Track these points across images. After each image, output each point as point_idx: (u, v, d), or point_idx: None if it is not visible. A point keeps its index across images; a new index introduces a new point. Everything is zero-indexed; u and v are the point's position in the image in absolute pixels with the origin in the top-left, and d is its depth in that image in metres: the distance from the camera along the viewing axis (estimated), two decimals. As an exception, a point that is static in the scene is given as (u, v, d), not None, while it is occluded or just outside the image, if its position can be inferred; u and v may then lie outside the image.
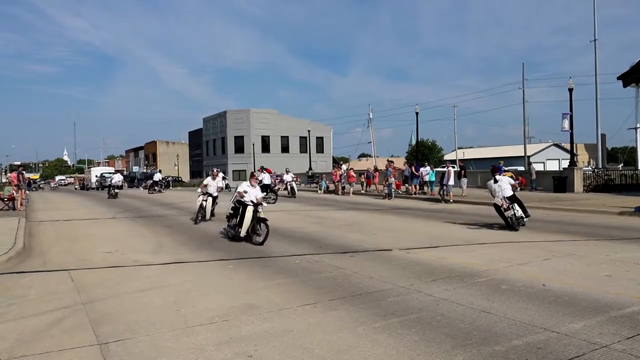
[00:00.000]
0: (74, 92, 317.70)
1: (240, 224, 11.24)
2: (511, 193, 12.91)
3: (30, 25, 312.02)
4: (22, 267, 9.08)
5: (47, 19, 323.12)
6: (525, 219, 12.97)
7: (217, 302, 6.35)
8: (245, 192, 11.52)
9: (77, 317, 5.88)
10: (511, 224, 12.68)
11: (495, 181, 13.16)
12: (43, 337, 5.17)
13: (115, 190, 32.04)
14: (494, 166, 14.57)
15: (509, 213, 12.75)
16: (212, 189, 16.25)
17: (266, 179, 24.39)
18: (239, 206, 11.52)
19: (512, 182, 13.53)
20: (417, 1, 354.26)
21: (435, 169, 27.38)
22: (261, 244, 10.82)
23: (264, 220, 11.23)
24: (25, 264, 9.48)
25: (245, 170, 44.56)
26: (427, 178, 26.12)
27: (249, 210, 11.13)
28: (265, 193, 21.50)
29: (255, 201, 11.50)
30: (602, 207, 17.29)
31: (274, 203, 22.83)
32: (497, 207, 13.07)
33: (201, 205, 15.84)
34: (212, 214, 16.14)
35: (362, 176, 32.80)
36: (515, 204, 12.81)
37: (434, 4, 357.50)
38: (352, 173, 31.14)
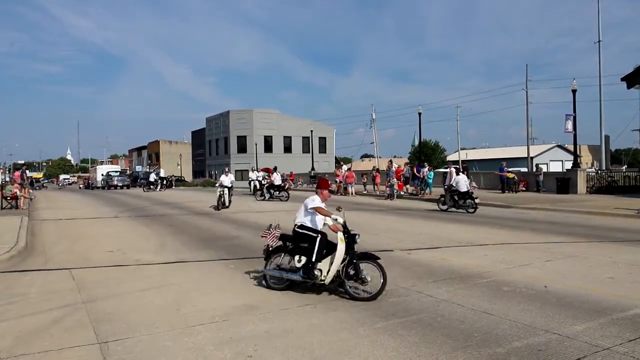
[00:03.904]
0: (78, 92, 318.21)
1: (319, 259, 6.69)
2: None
3: (35, 24, 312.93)
4: (23, 266, 9.10)
5: (52, 18, 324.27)
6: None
7: (217, 302, 6.34)
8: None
9: (77, 315, 5.88)
10: None
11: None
12: (43, 335, 5.17)
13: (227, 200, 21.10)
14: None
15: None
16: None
17: (277, 179, 27.08)
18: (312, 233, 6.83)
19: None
20: (421, 5, 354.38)
21: (434, 170, 27.32)
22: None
23: None
24: (26, 262, 9.49)
25: (247, 170, 44.78)
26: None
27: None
28: (278, 192, 26.24)
29: None
30: (605, 209, 17.22)
31: (286, 201, 25.20)
32: None
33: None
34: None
35: (364, 176, 32.85)
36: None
37: (437, 8, 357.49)
38: (352, 173, 31.17)
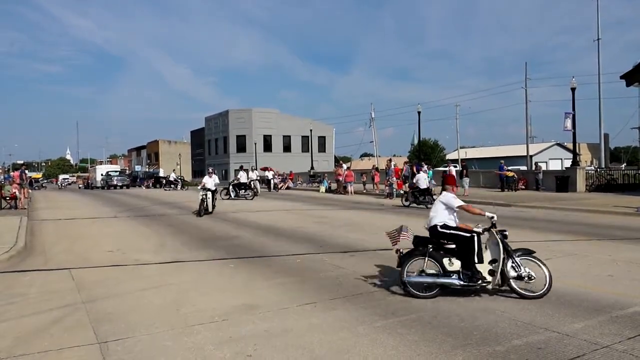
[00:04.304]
0: (77, 92, 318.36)
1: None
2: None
3: (34, 24, 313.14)
4: (23, 266, 9.09)
5: (51, 18, 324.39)
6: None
7: (217, 302, 6.34)
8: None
9: (77, 316, 5.88)
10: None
11: None
12: (43, 335, 5.17)
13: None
14: None
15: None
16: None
17: (243, 177, 27.48)
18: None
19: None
20: (420, 5, 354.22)
21: (433, 169, 27.32)
22: None
23: None
24: (26, 262, 9.49)
25: (247, 170, 44.86)
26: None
27: None
28: (243, 190, 26.89)
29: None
30: (604, 207, 17.22)
31: (251, 199, 26.02)
32: None
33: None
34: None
35: (363, 176, 32.88)
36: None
37: (437, 8, 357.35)
38: (352, 173, 31.22)
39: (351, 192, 29.31)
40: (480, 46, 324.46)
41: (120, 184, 50.10)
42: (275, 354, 4.55)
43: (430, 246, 6.45)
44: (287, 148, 63.23)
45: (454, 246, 6.41)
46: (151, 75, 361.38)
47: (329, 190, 33.03)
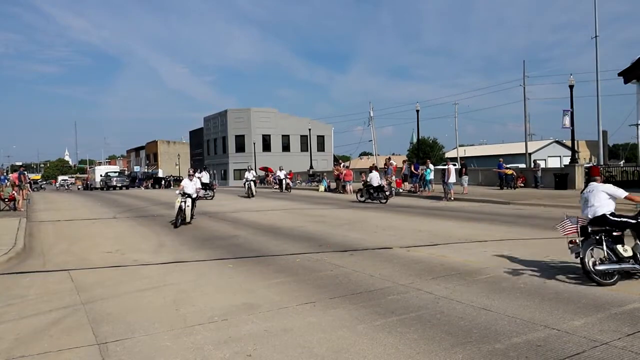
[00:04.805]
0: (75, 92, 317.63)
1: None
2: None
3: (31, 25, 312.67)
4: (22, 268, 9.09)
5: (48, 19, 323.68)
6: None
7: (216, 302, 6.34)
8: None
9: (76, 317, 5.88)
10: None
11: None
12: (42, 337, 5.17)
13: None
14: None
15: None
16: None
17: (204, 177, 27.76)
18: None
19: None
20: (418, 1, 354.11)
21: (431, 167, 27.30)
22: None
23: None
24: (25, 264, 9.48)
25: (246, 170, 44.61)
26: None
27: None
28: (204, 190, 25.63)
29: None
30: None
31: (211, 199, 26.40)
32: None
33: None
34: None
35: (362, 175, 32.88)
36: None
37: (435, 3, 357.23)
38: (350, 171, 31.24)
39: (350, 191, 29.29)
40: (478, 43, 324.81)
41: (120, 185, 50.02)
42: (275, 354, 4.54)
43: (604, 235, 6.77)
44: (286, 147, 63.23)
45: (620, 233, 6.83)
46: (149, 74, 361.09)
47: (328, 189, 33.02)
